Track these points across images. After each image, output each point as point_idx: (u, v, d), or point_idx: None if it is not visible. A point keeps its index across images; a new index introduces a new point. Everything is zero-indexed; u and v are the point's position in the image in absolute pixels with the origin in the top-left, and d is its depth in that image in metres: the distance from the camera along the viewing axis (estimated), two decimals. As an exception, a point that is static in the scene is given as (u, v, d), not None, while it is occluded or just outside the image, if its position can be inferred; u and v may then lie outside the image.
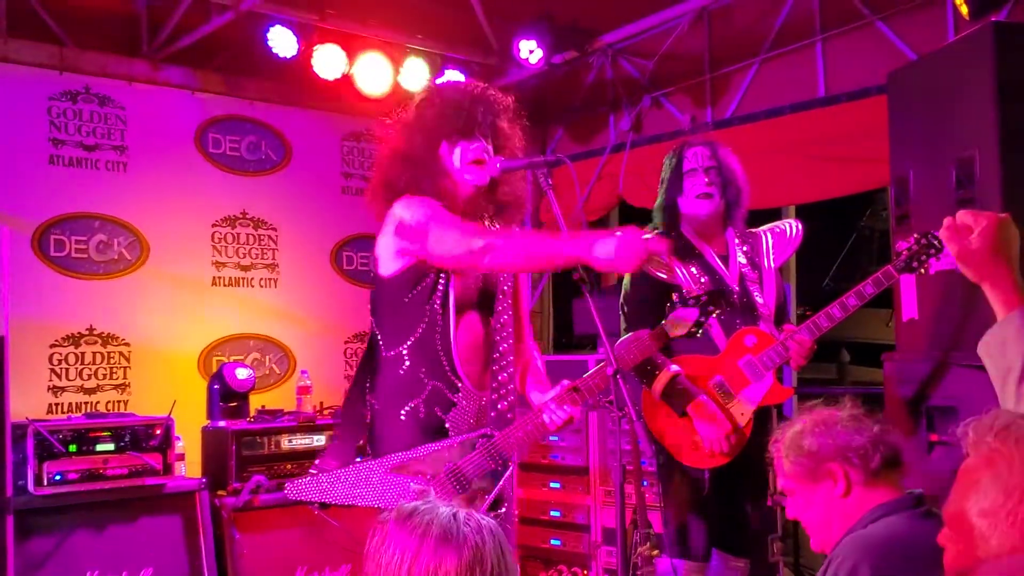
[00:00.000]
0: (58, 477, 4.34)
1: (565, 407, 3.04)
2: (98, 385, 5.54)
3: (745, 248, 3.96)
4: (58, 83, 5.59)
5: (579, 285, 2.99)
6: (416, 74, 6.22)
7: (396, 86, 6.17)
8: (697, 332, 3.09)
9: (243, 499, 4.81)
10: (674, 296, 3.10)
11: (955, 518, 1.62)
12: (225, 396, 5.31)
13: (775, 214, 5.91)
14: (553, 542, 5.86)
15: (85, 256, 5.60)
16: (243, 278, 6.21)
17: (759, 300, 3.85)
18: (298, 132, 6.51)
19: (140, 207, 5.79)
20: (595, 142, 7.08)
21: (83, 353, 5.53)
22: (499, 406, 3.12)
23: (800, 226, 4.05)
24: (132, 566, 4.45)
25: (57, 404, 5.37)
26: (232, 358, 5.86)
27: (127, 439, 4.56)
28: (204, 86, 6.12)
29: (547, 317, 7.74)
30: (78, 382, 5.48)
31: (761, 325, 3.80)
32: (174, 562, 4.58)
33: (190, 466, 5.07)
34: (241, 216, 6.23)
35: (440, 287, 3.08)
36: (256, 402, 5.63)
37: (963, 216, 2.15)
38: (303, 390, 5.66)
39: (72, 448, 4.40)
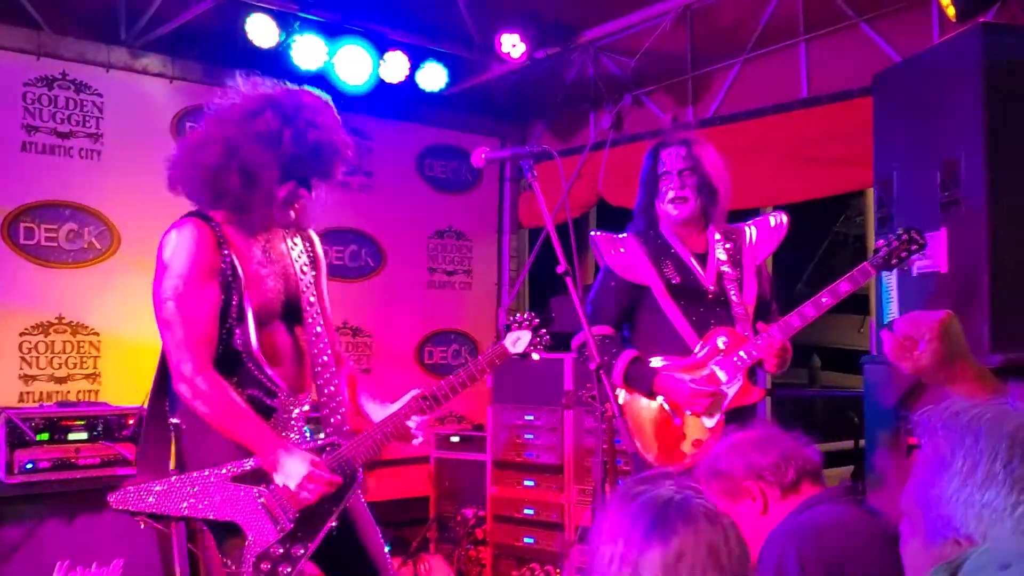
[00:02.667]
0: (29, 466, 4.27)
1: (416, 417, 3.02)
2: (68, 374, 5.45)
3: (728, 245, 3.89)
4: (35, 68, 5.50)
5: (564, 278, 2.97)
6: (397, 67, 6.18)
7: (376, 79, 6.14)
8: (532, 352, 3.11)
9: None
10: (508, 317, 3.13)
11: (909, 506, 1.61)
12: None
13: (754, 214, 5.92)
14: (526, 540, 5.84)
15: (55, 244, 5.51)
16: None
17: (734, 299, 3.79)
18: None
19: (113, 196, 5.70)
20: (576, 139, 7.08)
21: (53, 342, 5.43)
22: (333, 420, 2.99)
23: (785, 218, 3.97)
24: (103, 557, 4.38)
25: (28, 393, 5.27)
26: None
27: (100, 428, 4.49)
28: (182, 74, 6.04)
29: (523, 315, 7.71)
30: (49, 371, 5.38)
31: (737, 326, 3.75)
32: (145, 554, 4.51)
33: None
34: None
35: (235, 303, 2.91)
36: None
37: (902, 327, 2.06)
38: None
39: (44, 436, 4.33)
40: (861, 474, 5.24)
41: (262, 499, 2.77)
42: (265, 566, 2.72)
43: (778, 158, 5.65)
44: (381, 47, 6.09)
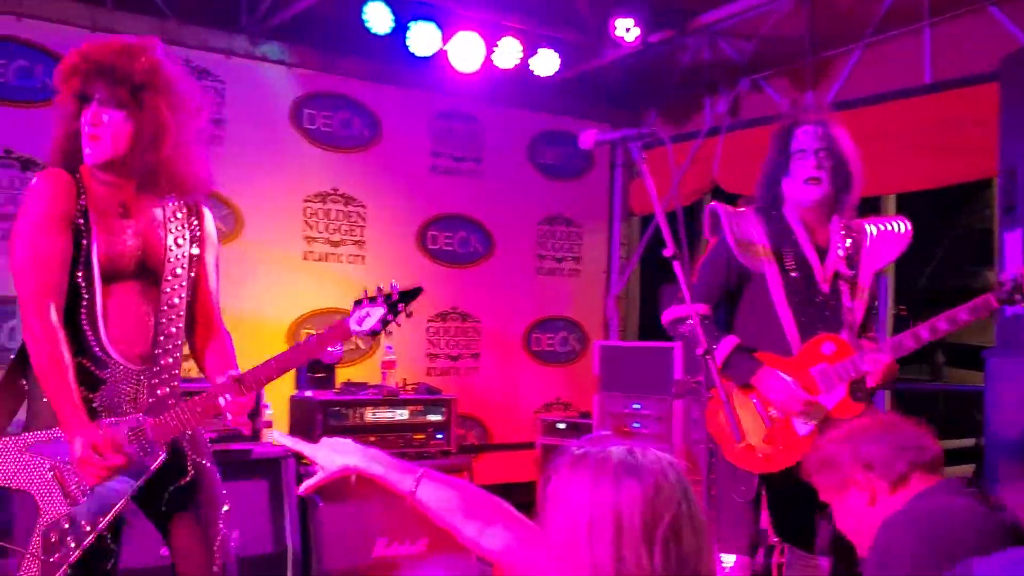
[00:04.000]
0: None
1: (227, 395, 2.77)
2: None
3: (848, 243, 3.63)
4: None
5: (672, 262, 2.91)
6: (510, 53, 6.21)
7: (489, 64, 6.18)
8: (381, 331, 2.86)
9: (327, 469, 4.85)
10: (364, 292, 2.88)
11: None
12: (312, 367, 5.37)
13: (874, 205, 5.76)
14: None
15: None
16: (332, 254, 6.27)
17: (846, 303, 3.56)
18: (389, 109, 6.53)
19: (235, 180, 5.86)
20: (689, 125, 6.99)
21: (176, 320, 5.62)
22: (159, 391, 2.83)
23: (909, 226, 3.67)
24: (218, 528, 4.52)
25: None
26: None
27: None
28: (301, 61, 6.17)
29: (633, 303, 7.68)
30: (170, 348, 5.58)
31: (843, 333, 3.52)
32: (259, 526, 4.63)
33: (277, 434, 5.13)
34: (332, 192, 6.28)
35: (83, 249, 2.76)
36: (341, 376, 5.68)
37: None
38: (387, 364, 5.69)
39: (162, 411, 4.48)
40: (982, 472, 5.06)
41: (52, 472, 2.68)
42: (52, 536, 2.64)
43: (899, 146, 5.47)
44: (494, 34, 6.12)
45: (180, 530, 2.92)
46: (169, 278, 2.86)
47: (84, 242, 2.74)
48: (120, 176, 2.84)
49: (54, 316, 2.67)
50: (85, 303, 2.74)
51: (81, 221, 2.75)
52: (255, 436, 4.73)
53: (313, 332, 5.78)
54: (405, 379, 5.77)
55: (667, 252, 2.90)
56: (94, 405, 2.73)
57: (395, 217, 6.53)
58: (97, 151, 2.78)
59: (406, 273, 6.52)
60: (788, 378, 3.44)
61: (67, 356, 2.67)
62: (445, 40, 5.98)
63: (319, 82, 6.25)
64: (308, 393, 5.24)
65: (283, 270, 6.03)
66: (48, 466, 2.68)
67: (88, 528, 2.66)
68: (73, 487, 2.67)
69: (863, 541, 2.40)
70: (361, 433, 5.11)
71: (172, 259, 2.88)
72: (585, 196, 7.47)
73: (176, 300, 2.88)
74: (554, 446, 6.34)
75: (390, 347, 5.87)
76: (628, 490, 1.60)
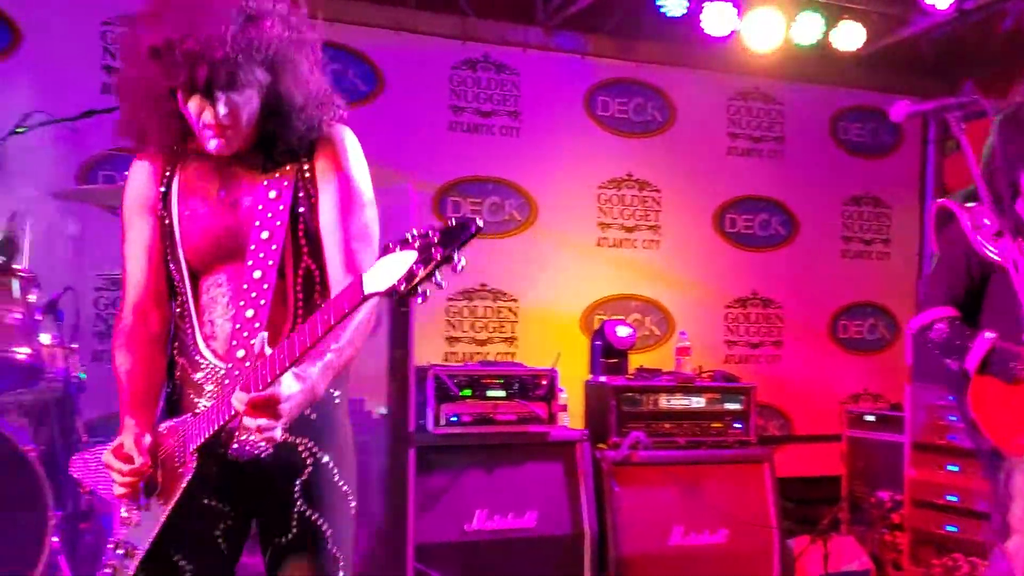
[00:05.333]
0: (454, 419, 4.61)
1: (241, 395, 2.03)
2: (488, 337, 5.85)
3: None
4: (460, 52, 5.92)
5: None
6: (810, 28, 5.97)
7: (786, 42, 5.96)
8: (410, 289, 1.75)
9: (622, 453, 4.86)
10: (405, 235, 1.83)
11: None
12: (606, 353, 5.40)
13: None
14: (948, 528, 5.40)
15: (479, 216, 5.88)
16: (627, 239, 6.28)
17: None
18: (683, 93, 6.47)
19: (530, 170, 6.02)
20: (1011, 98, 6.40)
21: (476, 307, 5.85)
22: (222, 392, 2.18)
23: None
24: (517, 508, 4.64)
25: (452, 353, 5.72)
26: (613, 318, 5.95)
27: (516, 387, 4.75)
28: (594, 50, 6.25)
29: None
30: (471, 334, 5.81)
31: None
32: (556, 508, 4.71)
33: (572, 418, 5.20)
34: (626, 178, 6.30)
35: (176, 235, 2.31)
36: (635, 362, 5.67)
37: None
38: (682, 351, 5.61)
39: (466, 392, 4.65)
40: None
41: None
42: (120, 552, 2.25)
43: None
44: (792, 9, 5.90)
45: None
46: (252, 247, 2.23)
47: (170, 232, 2.32)
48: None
49: (126, 314, 2.33)
50: (180, 298, 2.32)
51: (163, 210, 2.32)
52: (551, 419, 4.81)
53: (605, 318, 5.86)
54: (701, 366, 5.67)
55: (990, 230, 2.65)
56: (196, 412, 2.22)
57: (691, 201, 6.46)
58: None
59: (703, 257, 6.45)
60: None
61: (127, 357, 2.29)
62: (740, 18, 5.83)
63: (613, 69, 6.30)
64: (602, 379, 5.26)
65: (577, 257, 6.12)
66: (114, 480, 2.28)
67: (137, 550, 2.20)
68: (132, 504, 2.25)
69: None
70: (656, 420, 5.09)
71: (258, 223, 2.24)
72: (894, 174, 7.07)
73: (257, 275, 2.22)
74: (862, 439, 6.03)
75: (684, 333, 5.80)
76: None
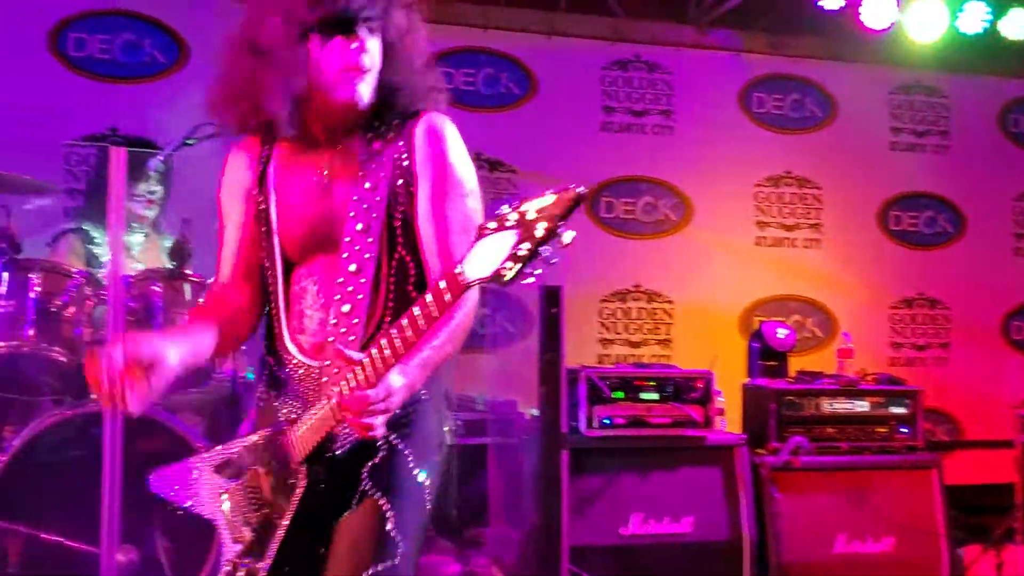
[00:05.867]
0: (607, 421, 4.57)
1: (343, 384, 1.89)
2: (643, 339, 5.81)
3: None
4: (610, 53, 5.92)
5: None
6: (976, 16, 5.72)
7: (951, 31, 5.74)
8: (512, 275, 1.58)
9: (782, 459, 4.73)
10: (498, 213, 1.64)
11: None
12: (764, 355, 5.27)
13: None
14: None
15: (632, 217, 5.89)
16: (786, 238, 6.16)
17: None
18: (843, 87, 6.33)
19: (684, 169, 5.97)
20: None
21: (629, 308, 5.82)
22: (325, 391, 2.01)
23: None
24: (673, 513, 4.57)
25: (605, 356, 5.70)
26: (772, 319, 5.83)
27: (670, 390, 4.68)
28: (749, 47, 6.17)
29: None
30: (624, 335, 5.79)
31: None
32: (713, 514, 4.61)
33: (729, 422, 5.11)
34: (784, 175, 6.18)
35: (272, 224, 2.18)
36: (795, 365, 5.52)
37: None
38: (844, 353, 5.43)
39: (619, 395, 4.61)
40: None
41: (226, 496, 2.14)
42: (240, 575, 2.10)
43: None
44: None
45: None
46: (347, 239, 2.09)
47: (265, 217, 2.19)
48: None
49: (207, 297, 2.24)
50: (271, 290, 2.18)
51: (259, 195, 2.21)
52: (707, 423, 4.73)
53: (764, 320, 5.73)
54: (864, 369, 5.48)
55: None
56: (280, 416, 2.11)
57: (853, 198, 6.31)
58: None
59: (867, 256, 6.28)
60: None
61: (199, 334, 2.13)
62: (900, 9, 5.63)
63: (768, 65, 6.20)
64: (761, 382, 5.14)
65: (734, 257, 6.03)
66: (223, 489, 2.13)
67: (258, 566, 2.06)
68: (239, 519, 2.10)
69: None
70: (817, 424, 4.93)
71: (353, 214, 2.10)
72: (1072, 167, 6.70)
73: (353, 268, 2.07)
74: (1038, 445, 5.71)
75: (847, 335, 5.62)
76: None
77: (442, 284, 1.68)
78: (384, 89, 2.10)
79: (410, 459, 2.08)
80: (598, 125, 5.89)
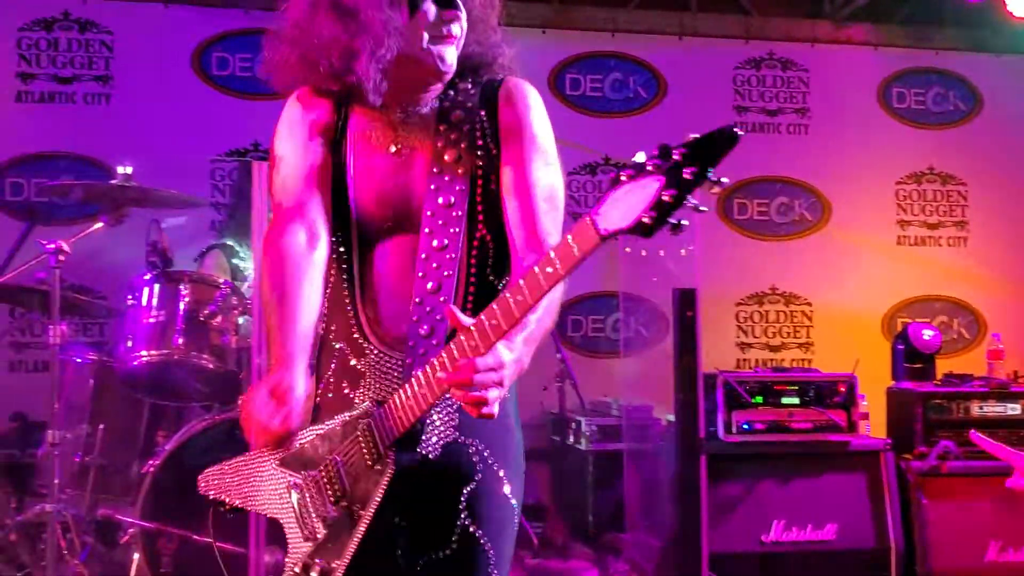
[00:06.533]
0: (746, 426, 4.50)
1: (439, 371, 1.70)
2: (782, 343, 5.70)
3: None
4: (743, 52, 5.83)
5: None
6: None
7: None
8: (656, 225, 1.40)
9: (930, 464, 4.57)
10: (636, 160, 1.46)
11: None
12: (909, 357, 5.10)
13: None
14: None
15: (766, 218, 5.78)
16: (929, 237, 5.96)
17: None
18: (988, 80, 6.12)
19: (821, 168, 5.86)
20: None
21: (767, 312, 5.72)
22: (415, 372, 1.79)
23: None
24: (816, 520, 4.46)
25: (744, 360, 5.61)
26: (917, 320, 5.65)
27: (811, 394, 4.57)
28: (887, 40, 6.00)
29: None
30: (763, 339, 5.68)
31: None
32: (858, 522, 4.49)
33: (873, 426, 4.97)
34: (927, 172, 5.98)
35: (348, 199, 2.01)
36: (941, 367, 5.34)
37: None
38: (994, 355, 5.22)
39: (758, 400, 4.52)
40: None
41: (294, 492, 1.92)
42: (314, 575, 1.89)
43: None
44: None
45: None
46: (429, 213, 1.95)
47: (341, 184, 2.03)
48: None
49: (295, 235, 1.96)
50: (345, 271, 2.02)
51: (334, 165, 2.04)
52: (851, 427, 4.61)
53: (908, 321, 5.56)
54: (1016, 371, 5.26)
55: None
56: (354, 404, 1.94)
57: (1001, 194, 6.08)
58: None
59: (1016, 254, 6.05)
60: None
61: (297, 287, 1.93)
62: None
63: (908, 59, 6.03)
64: (906, 385, 4.98)
65: (875, 257, 5.88)
66: (289, 483, 1.93)
67: (334, 566, 1.85)
68: (311, 514, 1.90)
69: None
70: (967, 428, 4.75)
71: (434, 187, 1.96)
72: None
73: (436, 243, 1.93)
74: None
75: (997, 335, 5.40)
76: None
77: (570, 238, 1.48)
78: (465, 58, 1.99)
79: (506, 483, 1.93)
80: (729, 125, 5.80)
